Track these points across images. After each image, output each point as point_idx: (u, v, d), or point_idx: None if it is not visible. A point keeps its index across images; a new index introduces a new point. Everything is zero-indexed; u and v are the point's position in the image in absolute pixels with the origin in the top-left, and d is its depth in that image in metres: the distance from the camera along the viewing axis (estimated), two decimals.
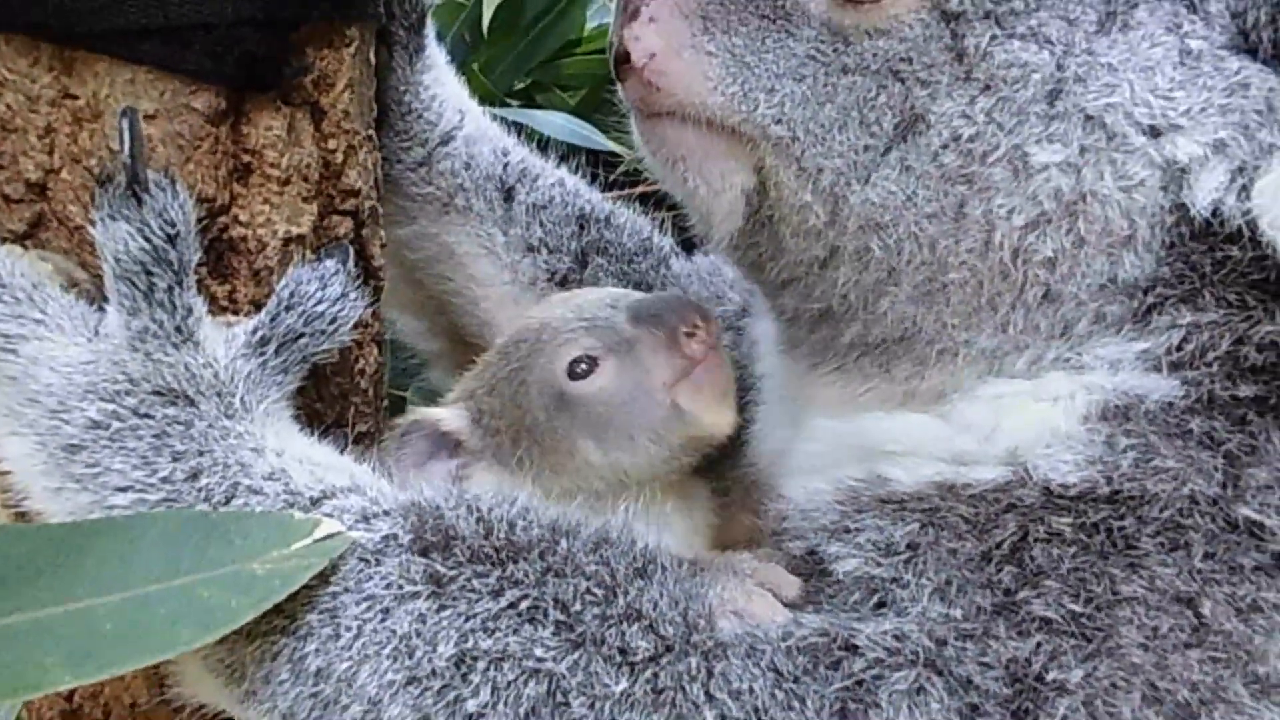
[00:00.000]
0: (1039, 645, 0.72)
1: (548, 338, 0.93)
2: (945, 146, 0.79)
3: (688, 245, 1.22)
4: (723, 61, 0.83)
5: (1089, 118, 0.78)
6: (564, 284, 1.16)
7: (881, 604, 0.75)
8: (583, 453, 0.91)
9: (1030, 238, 0.80)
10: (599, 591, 0.73)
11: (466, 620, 0.72)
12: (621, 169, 0.98)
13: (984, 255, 0.80)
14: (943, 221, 0.80)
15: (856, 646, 0.72)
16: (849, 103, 0.81)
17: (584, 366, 0.90)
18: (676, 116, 0.85)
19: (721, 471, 1.00)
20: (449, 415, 0.95)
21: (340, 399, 0.92)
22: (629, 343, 0.91)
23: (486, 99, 1.63)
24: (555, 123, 1.70)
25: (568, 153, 1.27)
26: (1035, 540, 0.75)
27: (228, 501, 0.74)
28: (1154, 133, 0.78)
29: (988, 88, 0.79)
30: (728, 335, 1.15)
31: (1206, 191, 0.78)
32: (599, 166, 1.35)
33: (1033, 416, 0.80)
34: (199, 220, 0.79)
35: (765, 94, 0.82)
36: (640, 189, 1.40)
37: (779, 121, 0.82)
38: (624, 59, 0.85)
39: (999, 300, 0.81)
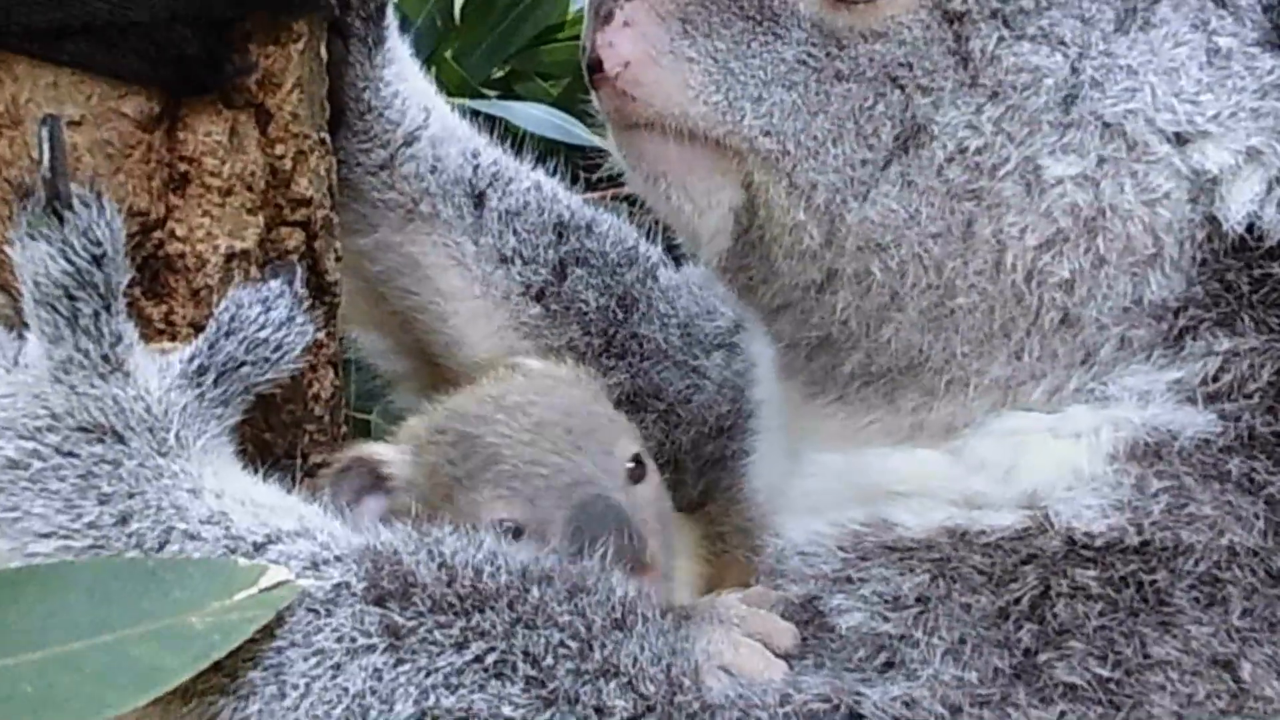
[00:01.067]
0: (1063, 714, 0.70)
1: (490, 477, 0.91)
2: (950, 160, 0.78)
3: (678, 254, 1.20)
4: (704, 68, 0.82)
5: (1107, 125, 0.77)
6: (540, 298, 1.15)
7: (889, 664, 0.74)
8: None
9: (1045, 258, 0.79)
10: (573, 644, 0.72)
11: (427, 676, 0.71)
12: (607, 166, 0.97)
13: (995, 278, 0.79)
14: (949, 241, 0.79)
15: (863, 716, 0.71)
16: (844, 112, 0.80)
17: (507, 529, 0.88)
18: (656, 128, 0.85)
19: (711, 516, 0.99)
20: (395, 458, 0.95)
21: (292, 427, 0.92)
22: (552, 547, 0.87)
23: (460, 90, 1.64)
24: (535, 115, 1.70)
25: (547, 149, 1.26)
26: (1057, 595, 0.74)
27: (161, 548, 0.73)
28: (1180, 140, 0.77)
29: (995, 95, 0.78)
30: (719, 354, 1.15)
31: (1240, 204, 0.77)
32: (581, 163, 1.34)
33: (1053, 455, 0.79)
34: (131, 236, 0.79)
35: (752, 103, 0.81)
36: (627, 189, 1.39)
37: (767, 133, 0.81)
38: (597, 67, 0.85)
39: (1012, 326, 0.81)
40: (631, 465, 0.94)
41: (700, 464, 1.10)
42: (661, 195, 0.87)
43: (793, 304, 0.86)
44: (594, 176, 1.17)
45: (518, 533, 0.89)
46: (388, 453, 0.95)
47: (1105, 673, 0.71)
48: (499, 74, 1.90)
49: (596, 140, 1.46)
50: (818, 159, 0.80)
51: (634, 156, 0.88)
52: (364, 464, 0.94)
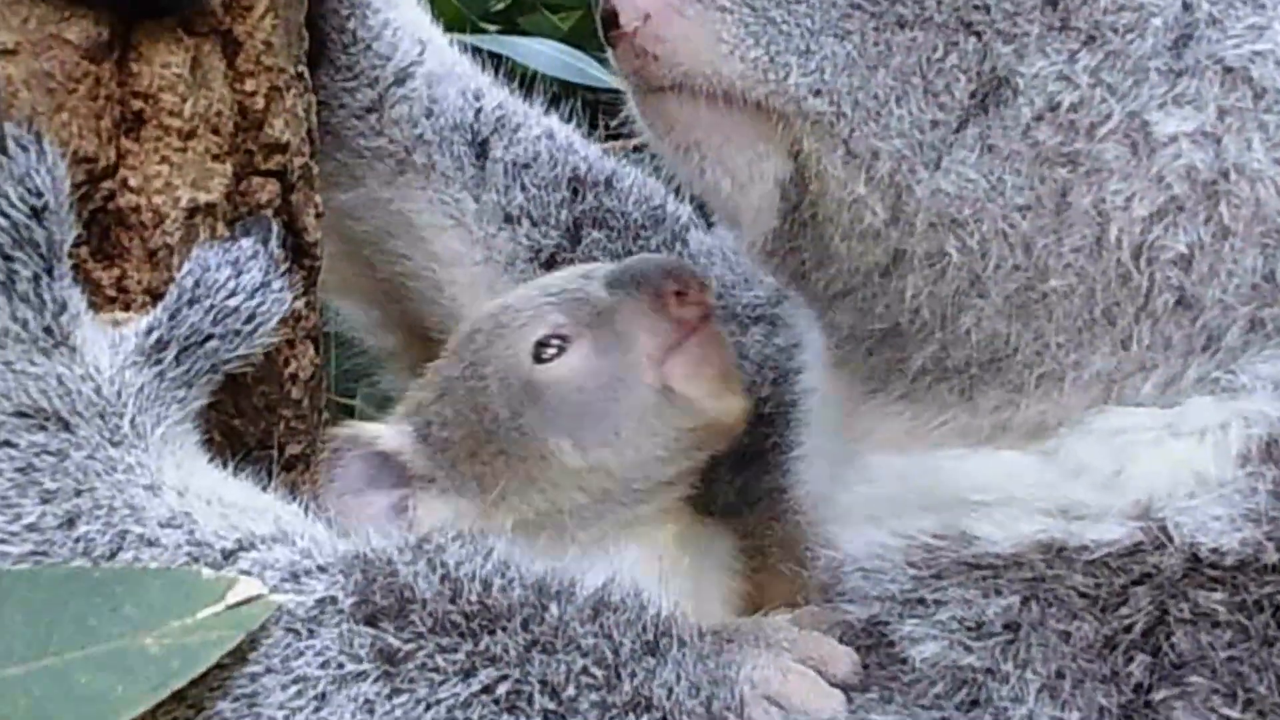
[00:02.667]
0: None
1: (508, 320, 0.95)
2: (1039, 118, 0.77)
3: (711, 214, 1.19)
4: (739, 18, 0.81)
5: (1229, 71, 0.76)
6: (551, 264, 1.15)
7: (974, 702, 0.73)
8: (558, 455, 0.93)
9: (1157, 230, 0.77)
10: (598, 672, 0.72)
11: (427, 709, 0.70)
12: (627, 112, 0.97)
13: (1096, 256, 0.78)
14: (1040, 215, 0.78)
15: None
16: (909, 65, 0.78)
17: (552, 348, 0.93)
18: (685, 91, 0.84)
19: (750, 523, 0.99)
20: (388, 434, 0.96)
21: (266, 413, 0.91)
22: (606, 314, 0.94)
23: (456, 24, 1.63)
24: (543, 53, 1.73)
25: (560, 92, 1.26)
26: (1177, 622, 0.73)
27: (113, 556, 0.73)
28: None
29: (1092, 39, 0.76)
30: (759, 327, 1.16)
31: None
32: (598, 108, 1.33)
33: (1169, 457, 0.77)
34: (76, 186, 0.77)
35: (798, 57, 0.80)
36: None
37: (818, 92, 0.80)
38: (612, 21, 0.83)
39: (1118, 311, 0.79)
40: None
41: (737, 457, 1.08)
42: (695, 169, 0.86)
43: (853, 291, 0.85)
44: (613, 124, 1.16)
45: (563, 342, 0.93)
46: (379, 430, 0.96)
47: (1234, 714, 0.70)
48: (500, 5, 1.91)
49: (615, 82, 1.45)
50: (879, 121, 0.79)
51: (661, 124, 0.87)
52: (356, 445, 0.95)
